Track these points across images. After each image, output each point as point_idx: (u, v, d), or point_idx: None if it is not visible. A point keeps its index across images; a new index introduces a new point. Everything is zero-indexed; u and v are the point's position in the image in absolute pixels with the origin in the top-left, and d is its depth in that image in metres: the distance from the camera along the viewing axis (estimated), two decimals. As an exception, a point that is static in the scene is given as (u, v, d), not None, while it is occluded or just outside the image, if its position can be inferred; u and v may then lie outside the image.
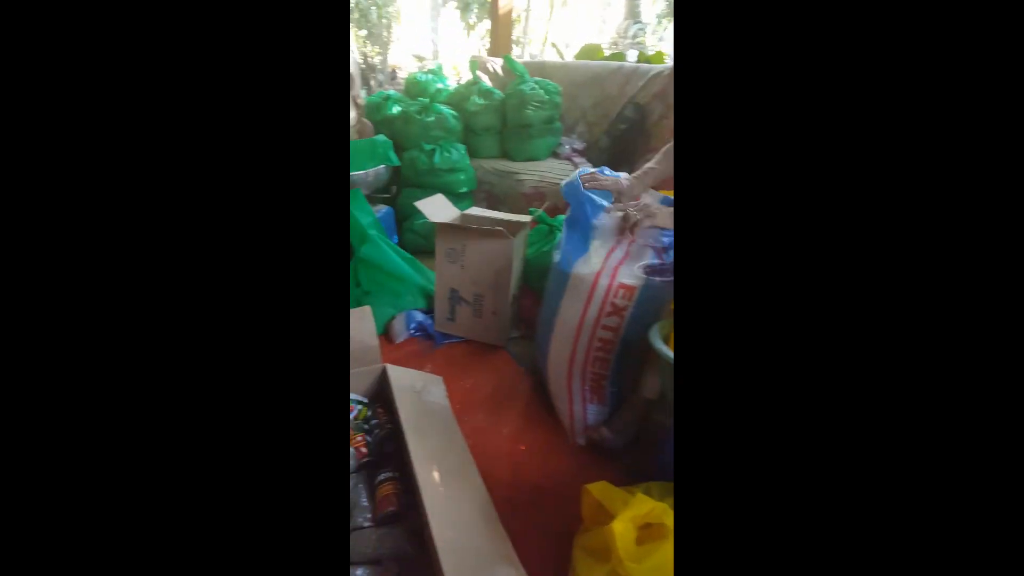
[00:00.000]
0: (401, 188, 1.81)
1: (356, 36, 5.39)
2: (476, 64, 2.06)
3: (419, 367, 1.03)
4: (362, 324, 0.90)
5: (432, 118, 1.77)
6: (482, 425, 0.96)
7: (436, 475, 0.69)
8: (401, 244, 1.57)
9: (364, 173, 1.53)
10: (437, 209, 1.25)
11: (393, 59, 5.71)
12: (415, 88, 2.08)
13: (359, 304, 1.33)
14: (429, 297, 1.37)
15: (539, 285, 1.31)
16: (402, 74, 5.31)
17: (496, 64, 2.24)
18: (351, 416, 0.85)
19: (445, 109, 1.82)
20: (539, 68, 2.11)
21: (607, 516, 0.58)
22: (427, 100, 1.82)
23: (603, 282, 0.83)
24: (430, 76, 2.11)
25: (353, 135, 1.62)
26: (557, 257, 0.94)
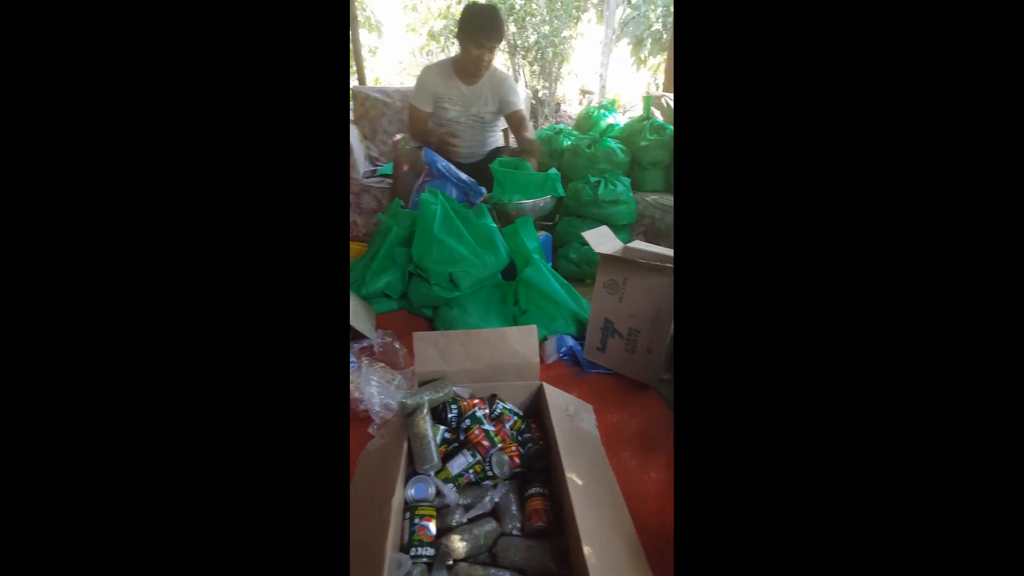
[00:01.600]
0: (562, 216, 1.90)
1: (530, 72, 5.84)
2: (650, 100, 2.07)
3: (565, 391, 1.06)
4: (527, 340, 0.97)
5: (600, 152, 1.83)
6: (628, 464, 0.94)
7: (589, 503, 0.70)
8: (555, 269, 1.64)
9: (533, 202, 1.65)
10: (602, 240, 1.28)
11: (560, 93, 6.04)
12: (586, 123, 2.18)
13: (515, 321, 1.42)
14: (580, 323, 1.40)
15: (700, 329, 1.24)
16: (567, 107, 5.57)
17: (669, 99, 2.22)
18: (507, 426, 0.91)
19: (614, 144, 1.86)
20: (717, 103, 2.03)
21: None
22: (596, 135, 1.89)
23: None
24: (602, 112, 2.19)
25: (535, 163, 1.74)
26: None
